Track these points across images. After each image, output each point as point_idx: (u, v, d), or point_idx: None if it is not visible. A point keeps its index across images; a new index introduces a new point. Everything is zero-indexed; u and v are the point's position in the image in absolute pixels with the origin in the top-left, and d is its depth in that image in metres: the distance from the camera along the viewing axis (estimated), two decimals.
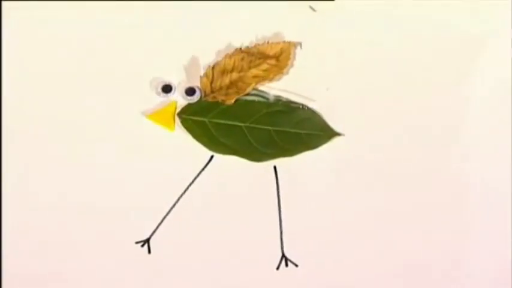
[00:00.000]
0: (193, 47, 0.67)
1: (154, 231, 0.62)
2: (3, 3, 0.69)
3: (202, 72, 0.66)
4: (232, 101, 0.65)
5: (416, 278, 0.60)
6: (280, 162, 0.64)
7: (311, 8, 0.69)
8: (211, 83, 0.66)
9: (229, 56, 0.67)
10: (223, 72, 0.66)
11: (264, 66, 0.66)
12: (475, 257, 0.61)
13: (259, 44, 0.67)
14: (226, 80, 0.66)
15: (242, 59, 0.67)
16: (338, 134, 0.65)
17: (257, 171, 0.64)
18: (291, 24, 0.68)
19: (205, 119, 0.65)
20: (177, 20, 0.68)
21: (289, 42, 0.67)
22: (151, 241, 0.61)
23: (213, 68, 0.66)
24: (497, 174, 0.63)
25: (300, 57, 0.67)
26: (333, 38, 0.67)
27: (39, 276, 0.60)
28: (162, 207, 0.62)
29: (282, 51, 0.67)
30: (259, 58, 0.67)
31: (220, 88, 0.66)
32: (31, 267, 0.61)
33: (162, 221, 0.62)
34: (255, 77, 0.66)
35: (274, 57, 0.67)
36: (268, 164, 0.64)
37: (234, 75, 0.66)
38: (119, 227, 0.61)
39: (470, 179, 0.63)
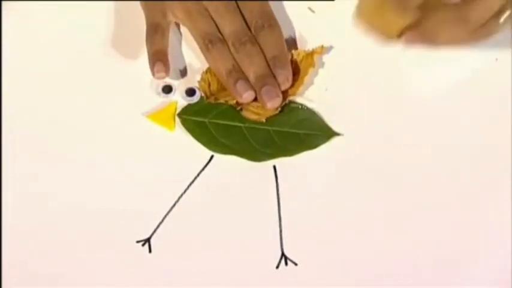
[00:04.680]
0: (192, 47, 0.68)
1: (154, 231, 0.62)
2: (3, 3, 0.69)
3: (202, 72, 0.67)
4: (234, 100, 0.65)
5: (416, 278, 0.60)
6: (280, 162, 0.64)
7: (310, 9, 0.70)
8: (209, 86, 0.66)
9: None
10: None
11: None
12: (476, 256, 0.61)
13: None
14: None
15: None
16: (337, 134, 0.65)
17: (257, 171, 0.64)
18: (290, 24, 0.68)
19: (205, 120, 0.65)
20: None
21: None
22: (151, 240, 0.61)
23: (207, 71, 0.67)
24: (498, 174, 0.63)
25: None
26: (332, 38, 0.68)
27: (39, 276, 0.60)
28: (162, 206, 0.62)
29: None
30: None
31: (219, 90, 0.66)
32: (31, 267, 0.61)
33: (162, 220, 0.62)
34: None
35: None
36: (268, 164, 0.64)
37: None
38: (120, 226, 0.61)
39: (472, 179, 0.63)
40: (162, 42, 0.66)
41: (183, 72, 0.67)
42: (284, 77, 0.64)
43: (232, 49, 0.65)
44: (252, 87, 0.64)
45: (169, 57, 0.65)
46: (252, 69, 0.64)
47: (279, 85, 0.64)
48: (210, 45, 0.65)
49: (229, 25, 0.65)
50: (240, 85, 0.64)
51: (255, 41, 0.65)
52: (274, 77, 0.64)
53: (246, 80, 0.64)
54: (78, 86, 0.67)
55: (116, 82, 0.66)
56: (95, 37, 0.68)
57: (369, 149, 0.64)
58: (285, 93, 0.65)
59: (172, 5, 0.66)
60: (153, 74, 0.64)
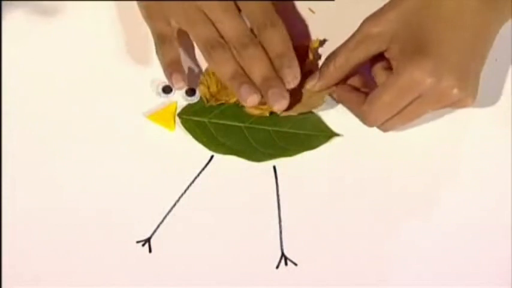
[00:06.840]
0: (192, 47, 0.68)
1: (155, 231, 0.62)
2: (3, 3, 0.69)
3: (202, 72, 0.67)
4: (235, 99, 0.65)
5: (416, 278, 0.60)
6: (280, 162, 0.64)
7: (310, 10, 0.70)
8: (208, 88, 0.66)
9: None
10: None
11: None
12: (476, 256, 0.61)
13: None
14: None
15: None
16: (337, 135, 0.65)
17: (257, 171, 0.64)
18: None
19: (206, 119, 0.65)
20: None
21: None
22: (152, 240, 0.61)
23: (207, 73, 0.67)
24: (498, 174, 0.63)
25: None
26: (332, 38, 0.68)
27: (39, 276, 0.60)
28: (162, 206, 0.62)
29: None
30: None
31: (219, 91, 0.66)
32: (31, 267, 0.61)
33: (162, 220, 0.62)
34: None
35: None
36: (268, 164, 0.64)
37: None
38: (120, 226, 0.61)
39: (472, 179, 0.64)
40: (173, 52, 0.65)
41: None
42: (292, 75, 0.63)
43: (234, 53, 0.64)
44: (256, 90, 0.63)
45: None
46: (257, 72, 0.63)
47: (286, 85, 0.63)
48: (211, 51, 0.64)
49: (229, 28, 0.64)
50: (244, 89, 0.63)
51: (257, 42, 0.64)
52: (280, 77, 0.63)
53: (250, 83, 0.63)
54: (78, 86, 0.66)
55: (116, 82, 0.66)
56: (95, 38, 0.68)
57: (369, 149, 0.64)
58: (298, 95, 0.65)
59: (172, 11, 0.65)
60: (172, 86, 0.64)
